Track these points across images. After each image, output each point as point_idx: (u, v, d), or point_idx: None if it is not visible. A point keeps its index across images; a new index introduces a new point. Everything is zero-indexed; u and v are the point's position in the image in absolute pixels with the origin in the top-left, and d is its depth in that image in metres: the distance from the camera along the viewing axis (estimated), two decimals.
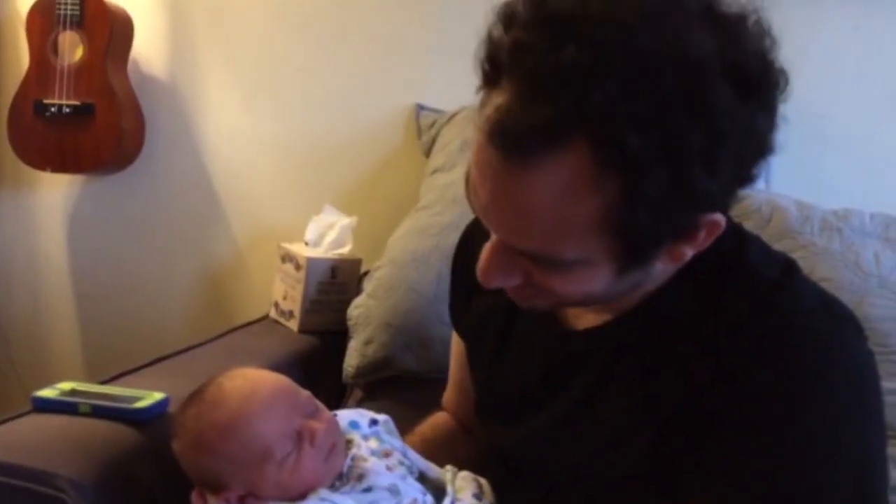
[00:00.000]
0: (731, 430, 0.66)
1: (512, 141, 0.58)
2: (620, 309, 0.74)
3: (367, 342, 1.36)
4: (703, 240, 0.65)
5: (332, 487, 0.79)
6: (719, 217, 0.63)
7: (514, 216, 0.62)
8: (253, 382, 0.82)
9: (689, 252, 0.66)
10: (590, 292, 0.67)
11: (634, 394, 0.71)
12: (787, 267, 0.73)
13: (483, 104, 0.62)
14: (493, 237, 0.67)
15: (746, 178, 0.63)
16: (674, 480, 0.68)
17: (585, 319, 0.77)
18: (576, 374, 0.76)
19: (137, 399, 0.99)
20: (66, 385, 1.01)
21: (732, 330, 0.68)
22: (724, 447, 0.66)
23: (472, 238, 0.95)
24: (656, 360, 0.71)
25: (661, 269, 0.69)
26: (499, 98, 0.60)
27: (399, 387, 1.35)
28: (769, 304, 0.68)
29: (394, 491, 0.79)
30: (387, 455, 0.84)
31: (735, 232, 0.75)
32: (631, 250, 0.63)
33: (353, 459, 0.81)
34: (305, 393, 0.83)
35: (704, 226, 0.63)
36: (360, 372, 1.37)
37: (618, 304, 0.73)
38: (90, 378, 1.25)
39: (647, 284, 0.71)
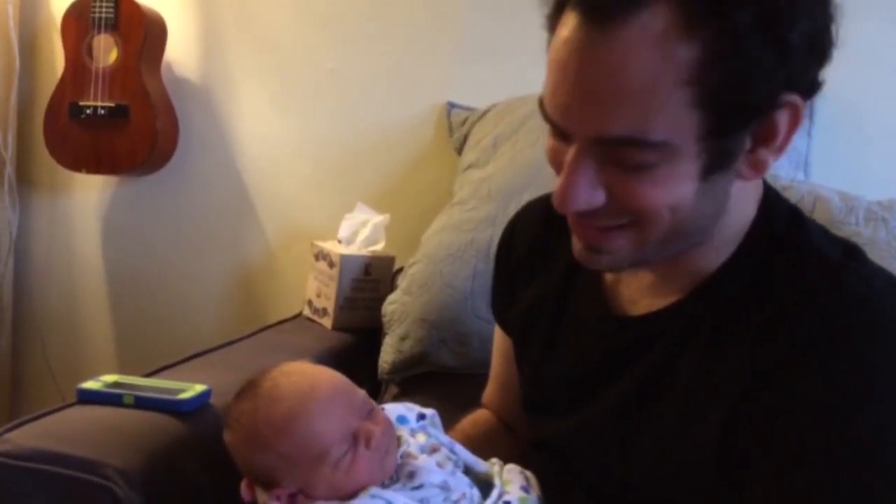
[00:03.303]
0: (804, 416, 0.64)
1: (599, 2, 0.60)
2: (682, 290, 0.73)
3: (403, 338, 1.36)
4: (783, 139, 0.64)
5: (383, 485, 0.78)
6: (799, 100, 0.63)
7: (604, 88, 0.61)
8: (311, 380, 0.80)
9: (768, 159, 0.65)
10: (678, 202, 0.64)
11: (699, 379, 0.70)
12: (851, 248, 0.72)
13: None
14: (572, 152, 0.65)
15: (819, 54, 0.63)
16: (740, 469, 0.66)
17: (644, 305, 0.76)
18: (635, 360, 0.75)
19: (180, 391, 0.99)
20: (110, 377, 1.02)
21: (800, 310, 0.66)
22: (795, 433, 0.64)
23: (515, 231, 0.94)
24: (720, 344, 0.69)
25: (735, 200, 0.68)
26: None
27: (434, 383, 1.35)
28: (836, 285, 0.67)
29: (444, 487, 0.78)
30: (435, 450, 0.82)
31: (793, 213, 0.74)
32: (717, 127, 0.62)
33: (402, 457, 0.80)
34: (362, 392, 0.81)
35: (786, 107, 0.63)
36: (396, 368, 1.37)
37: (680, 284, 0.72)
38: None
39: (716, 236, 0.70)
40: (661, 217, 0.65)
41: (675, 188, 0.64)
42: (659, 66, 0.60)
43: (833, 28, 0.63)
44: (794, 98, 0.63)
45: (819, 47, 0.63)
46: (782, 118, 0.63)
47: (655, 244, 0.68)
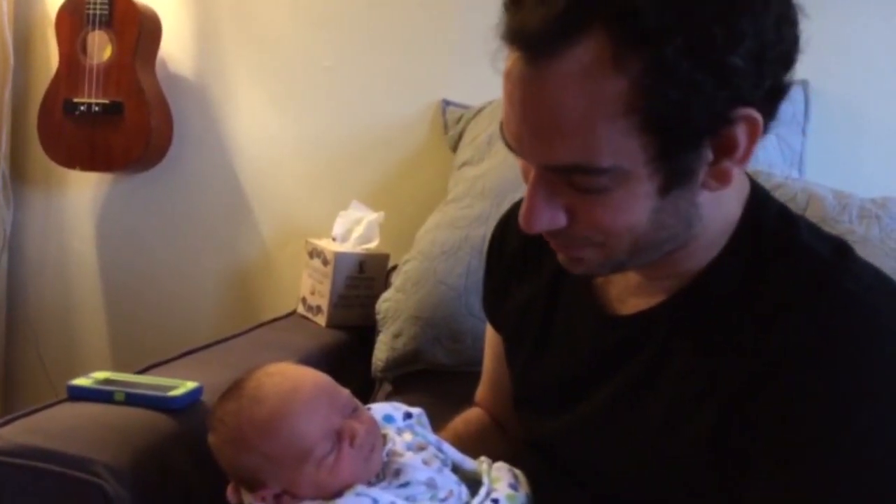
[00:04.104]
0: (800, 414, 0.64)
1: (533, 38, 0.60)
2: (670, 290, 0.73)
3: (396, 335, 1.36)
4: (744, 150, 0.63)
5: (369, 483, 0.78)
6: (755, 113, 0.62)
7: (544, 122, 0.62)
8: (294, 380, 0.80)
9: (733, 170, 0.65)
10: (635, 222, 0.65)
11: (689, 378, 0.70)
12: (841, 246, 0.71)
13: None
14: (532, 176, 0.66)
15: (775, 65, 0.62)
16: (733, 468, 0.66)
17: (632, 304, 0.76)
18: (626, 359, 0.75)
19: (171, 388, 0.99)
20: (101, 374, 1.02)
21: (790, 308, 0.66)
22: (790, 432, 0.64)
23: (506, 228, 0.94)
24: (710, 342, 0.69)
25: (711, 205, 0.68)
26: (517, 11, 0.62)
27: (428, 380, 1.35)
28: (826, 282, 0.67)
29: (431, 485, 0.78)
30: (421, 448, 0.82)
31: (782, 211, 0.74)
32: (666, 149, 0.61)
33: (388, 455, 0.80)
34: (345, 391, 0.81)
35: (741, 121, 0.62)
36: (390, 365, 1.37)
37: (668, 283, 0.72)
38: None
39: (699, 237, 0.69)
40: (620, 236, 0.67)
41: (632, 208, 0.65)
42: (590, 99, 0.60)
43: (791, 35, 0.62)
44: (749, 112, 0.62)
45: (773, 59, 0.62)
46: (740, 131, 0.63)
47: (624, 256, 0.69)
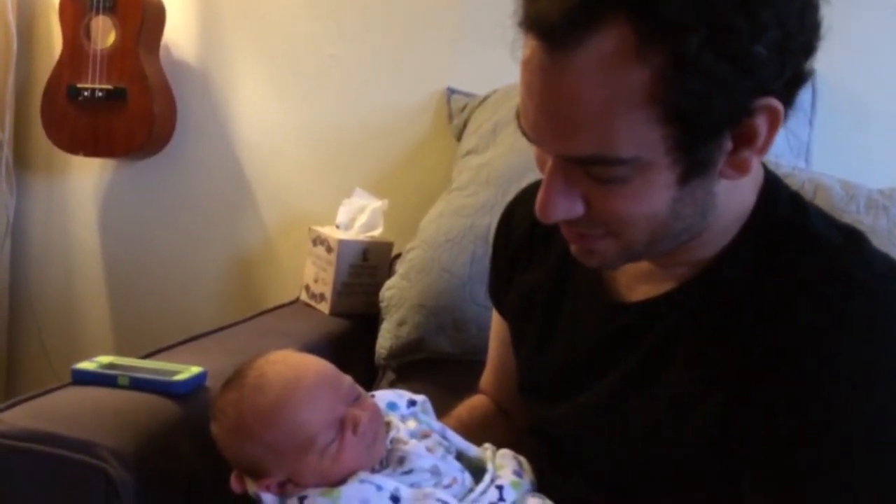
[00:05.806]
0: (804, 402, 0.64)
1: (552, 27, 0.59)
2: (681, 278, 0.73)
3: (400, 323, 1.36)
4: (764, 140, 0.63)
5: (372, 470, 0.78)
6: (776, 103, 0.62)
7: (563, 112, 0.61)
8: (296, 368, 0.80)
9: (751, 159, 0.64)
10: (654, 212, 0.65)
11: (696, 366, 0.69)
12: (853, 234, 0.71)
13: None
14: (549, 165, 0.66)
15: (797, 53, 0.61)
16: (738, 455, 0.66)
17: (641, 291, 0.76)
18: (632, 346, 0.74)
19: (175, 372, 0.99)
20: (105, 358, 1.01)
21: (799, 296, 0.66)
22: (797, 420, 0.64)
23: (512, 215, 0.94)
24: (718, 330, 0.69)
25: (726, 194, 0.67)
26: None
27: (431, 369, 1.34)
28: (837, 270, 0.66)
29: (434, 472, 0.78)
30: (425, 436, 0.82)
31: (793, 199, 0.73)
32: (687, 139, 0.61)
33: (392, 442, 0.80)
34: (348, 379, 0.81)
35: (762, 112, 0.62)
36: (393, 353, 1.37)
37: (678, 271, 0.72)
38: None
39: (713, 226, 0.69)
40: (638, 227, 0.66)
41: (651, 198, 0.64)
42: (611, 90, 0.59)
43: (813, 22, 0.62)
44: (770, 102, 0.62)
45: (795, 48, 0.61)
46: (760, 121, 0.62)
47: (640, 248, 0.69)
